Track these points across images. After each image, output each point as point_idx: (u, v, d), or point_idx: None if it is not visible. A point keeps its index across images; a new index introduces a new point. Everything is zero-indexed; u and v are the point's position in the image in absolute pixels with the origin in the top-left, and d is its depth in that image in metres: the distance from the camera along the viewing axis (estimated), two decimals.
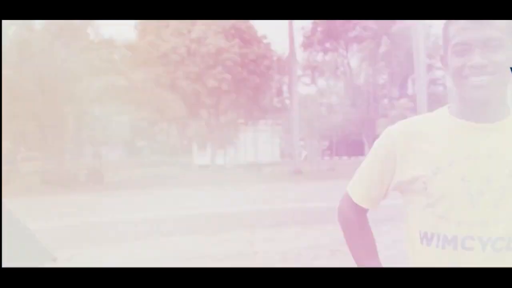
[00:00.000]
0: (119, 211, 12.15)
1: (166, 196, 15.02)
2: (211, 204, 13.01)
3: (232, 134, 26.73)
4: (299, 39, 53.38)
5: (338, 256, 6.15)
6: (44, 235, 4.51)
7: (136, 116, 26.22)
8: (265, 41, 26.97)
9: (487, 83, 1.18)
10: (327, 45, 49.09)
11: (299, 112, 31.57)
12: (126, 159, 29.89)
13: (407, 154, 1.28)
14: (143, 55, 19.94)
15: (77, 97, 15.82)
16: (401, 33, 38.77)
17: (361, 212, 1.40)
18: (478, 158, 1.21)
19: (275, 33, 51.19)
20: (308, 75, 52.98)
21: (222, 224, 9.57)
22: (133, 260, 6.57)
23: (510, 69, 1.21)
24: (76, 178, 15.58)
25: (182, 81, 21.32)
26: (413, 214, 1.28)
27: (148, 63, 20.08)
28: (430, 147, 1.25)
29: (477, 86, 1.19)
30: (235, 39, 23.66)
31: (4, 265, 1.37)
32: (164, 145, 31.79)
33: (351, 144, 60.04)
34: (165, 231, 8.95)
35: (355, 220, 1.41)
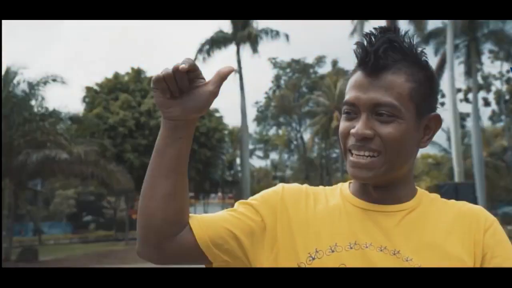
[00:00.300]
0: None
1: None
2: None
3: None
4: (252, 113, 54.72)
5: None
6: None
7: (82, 190, 25.50)
8: (217, 114, 27.35)
9: (371, 164, 0.97)
10: (281, 119, 50.41)
11: (252, 185, 31.59)
12: (70, 235, 28.59)
13: (287, 222, 1.04)
14: (89, 127, 19.73)
15: (15, 171, 15.26)
16: None
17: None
18: (367, 249, 0.98)
19: (228, 107, 52.43)
20: (261, 149, 53.84)
21: None
22: None
23: (406, 150, 0.99)
24: (7, 258, 14.64)
25: (130, 154, 21.08)
26: None
27: (94, 135, 19.84)
28: (314, 224, 1.03)
29: (355, 164, 0.98)
30: None
31: None
32: (112, 220, 30.75)
33: None
34: None
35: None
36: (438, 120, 1.03)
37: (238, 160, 34.69)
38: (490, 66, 38.81)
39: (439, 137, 37.66)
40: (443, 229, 1.01)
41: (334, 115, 38.26)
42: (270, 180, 40.90)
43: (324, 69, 47.06)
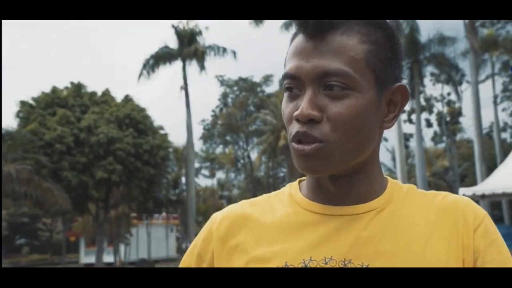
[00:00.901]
0: None
1: None
2: None
3: (123, 229, 25.30)
4: (199, 131, 54.32)
5: None
6: None
7: (14, 211, 24.09)
8: (162, 131, 26.80)
9: (316, 153, 0.75)
10: (227, 137, 50.27)
11: (197, 205, 31.08)
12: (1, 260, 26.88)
13: (227, 246, 0.87)
14: (23, 144, 18.71)
15: None
16: None
17: None
18: (327, 265, 0.78)
19: (174, 125, 51.78)
20: (207, 167, 53.36)
21: None
22: None
23: (366, 133, 0.78)
24: None
25: (67, 172, 20.11)
26: None
27: (28, 152, 18.81)
28: (260, 246, 0.83)
29: (300, 152, 0.77)
30: (129, 129, 23.21)
31: None
32: (47, 242, 29.20)
33: None
34: None
35: None
36: (404, 92, 0.81)
37: (183, 179, 34.10)
38: (432, 88, 40.49)
39: (384, 157, 38.64)
40: (422, 232, 0.80)
41: (282, 134, 38.61)
42: (216, 199, 40.46)
43: (272, 88, 47.59)
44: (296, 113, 0.75)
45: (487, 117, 67.34)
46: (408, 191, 0.86)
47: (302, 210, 0.84)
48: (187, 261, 0.93)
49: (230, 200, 52.70)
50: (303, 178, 0.91)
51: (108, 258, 27.06)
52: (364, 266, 0.77)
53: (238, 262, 0.84)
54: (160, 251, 35.03)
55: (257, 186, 47.92)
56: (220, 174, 54.21)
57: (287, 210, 0.85)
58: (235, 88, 50.04)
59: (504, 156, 23.70)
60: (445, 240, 0.80)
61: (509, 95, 28.22)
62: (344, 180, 0.81)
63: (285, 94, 0.80)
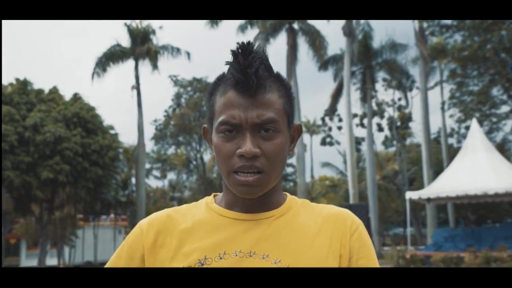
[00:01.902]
0: None
1: None
2: None
3: (69, 231, 24.66)
4: (150, 132, 53.60)
5: None
6: None
7: None
8: (112, 131, 26.31)
9: (258, 182, 1.02)
10: (180, 138, 49.85)
11: (147, 206, 30.68)
12: None
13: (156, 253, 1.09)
14: None
15: None
16: None
17: None
18: (237, 256, 1.04)
19: (124, 125, 50.87)
20: (158, 168, 52.72)
21: None
22: None
23: (283, 162, 1.06)
24: None
25: (10, 171, 19.44)
26: None
27: None
28: (183, 245, 1.07)
29: (244, 184, 1.02)
30: (78, 128, 22.68)
31: None
32: None
33: None
34: None
35: None
36: (300, 129, 1.13)
37: (133, 180, 33.60)
38: (384, 93, 41.64)
39: (336, 160, 39.36)
40: (311, 231, 1.08)
41: None
42: (167, 201, 40.05)
43: None
44: (241, 151, 1.00)
45: (435, 123, 70.07)
46: (302, 203, 1.15)
47: (217, 215, 1.09)
48: (115, 261, 1.12)
49: (181, 202, 52.25)
50: (217, 193, 1.19)
51: (51, 261, 26.28)
52: (265, 257, 1.03)
53: (165, 257, 1.07)
54: (107, 253, 34.29)
55: (209, 188, 47.72)
56: (172, 176, 53.73)
57: (205, 216, 1.10)
58: (189, 89, 49.66)
59: (450, 160, 24.72)
60: (328, 238, 1.08)
61: (456, 102, 29.43)
62: (259, 197, 1.07)
63: (220, 135, 1.03)
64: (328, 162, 47.12)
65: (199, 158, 48.82)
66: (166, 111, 50.93)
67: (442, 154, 30.27)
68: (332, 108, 38.30)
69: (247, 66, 1.00)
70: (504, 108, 29.11)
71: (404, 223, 32.93)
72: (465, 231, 20.28)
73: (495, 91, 27.46)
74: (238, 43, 1.03)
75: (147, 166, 45.97)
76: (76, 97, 24.84)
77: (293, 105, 1.10)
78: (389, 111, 37.68)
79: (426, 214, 26.33)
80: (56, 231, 23.97)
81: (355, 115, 34.93)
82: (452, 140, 36.28)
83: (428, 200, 20.54)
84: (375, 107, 35.72)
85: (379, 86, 34.33)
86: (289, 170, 53.19)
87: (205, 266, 1.03)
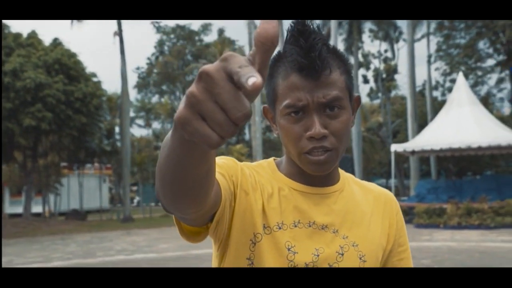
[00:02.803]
0: None
1: None
2: (21, 262, 11.42)
3: (53, 178, 24.55)
4: (133, 80, 52.73)
5: None
6: None
7: None
8: (95, 79, 25.76)
9: (328, 159, 1.05)
10: (164, 87, 49.22)
11: (131, 155, 30.57)
12: None
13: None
14: None
15: None
16: None
17: None
18: (310, 227, 1.08)
19: (107, 72, 49.87)
20: (142, 117, 52.31)
21: None
22: None
23: (349, 137, 1.11)
24: None
25: None
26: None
27: None
28: (261, 201, 1.08)
29: (317, 163, 1.05)
30: (59, 75, 22.12)
31: None
32: None
33: None
34: None
35: None
36: (359, 100, 1.15)
37: (117, 129, 33.29)
38: (370, 45, 41.38)
39: None
40: (368, 209, 1.16)
41: None
42: (152, 150, 39.92)
43: (210, 37, 46.75)
44: (311, 133, 1.02)
45: (421, 75, 70.27)
46: (350, 178, 1.21)
47: (287, 187, 1.11)
48: (231, 164, 1.08)
49: None
50: (275, 158, 1.19)
51: (36, 208, 26.30)
52: (335, 231, 1.09)
53: (257, 198, 1.07)
54: (93, 202, 34.49)
55: None
56: (156, 125, 53.42)
57: (277, 183, 1.11)
58: (172, 36, 48.62)
59: (435, 113, 24.90)
60: (380, 217, 1.16)
61: (442, 55, 29.39)
62: (327, 174, 1.10)
63: (287, 117, 1.04)
64: None
65: None
66: (148, 58, 50.01)
67: (426, 107, 30.46)
68: None
69: (310, 50, 1.00)
70: (490, 62, 29.25)
71: (387, 174, 33.52)
72: (447, 183, 20.70)
73: (482, 45, 27.43)
74: (293, 22, 1.02)
75: (132, 114, 45.57)
76: (56, 43, 24.11)
77: (352, 77, 1.11)
78: (375, 63, 37.54)
79: (409, 166, 26.75)
80: (41, 179, 23.86)
81: None
82: (436, 93, 36.51)
83: (413, 152, 20.79)
84: (361, 59, 35.50)
85: (365, 37, 34.07)
86: None
87: (281, 230, 1.05)
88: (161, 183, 0.78)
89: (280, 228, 1.05)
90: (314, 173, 1.07)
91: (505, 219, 15.11)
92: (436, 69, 32.99)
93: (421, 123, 27.23)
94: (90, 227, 22.10)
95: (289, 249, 1.04)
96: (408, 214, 16.67)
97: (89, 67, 26.36)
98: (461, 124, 18.49)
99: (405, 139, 26.40)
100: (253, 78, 0.53)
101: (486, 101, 30.64)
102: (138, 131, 54.90)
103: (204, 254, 11.40)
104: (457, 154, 21.71)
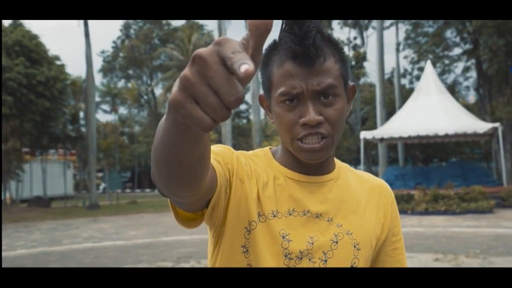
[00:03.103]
0: None
1: None
2: None
3: (14, 164, 23.87)
4: (98, 63, 51.57)
5: None
6: None
7: None
8: (58, 62, 25.07)
9: (324, 146, 1.05)
10: (130, 71, 48.38)
11: (97, 141, 30.00)
12: None
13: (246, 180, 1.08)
14: None
15: None
16: None
17: None
18: (305, 216, 1.09)
19: (71, 55, 48.69)
20: (107, 102, 51.36)
21: None
22: None
23: (343, 125, 1.10)
24: None
25: None
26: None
27: None
28: (256, 190, 1.08)
29: (311, 150, 1.05)
30: (20, 58, 21.41)
31: None
32: None
33: None
34: None
35: None
36: (354, 89, 1.14)
37: (82, 114, 32.58)
38: (339, 32, 41.63)
39: None
40: (363, 198, 1.17)
41: None
42: (117, 135, 39.30)
43: (178, 22, 45.99)
44: (305, 119, 1.02)
45: (390, 63, 71.18)
46: (345, 167, 1.22)
47: (282, 175, 1.11)
48: (228, 152, 1.09)
49: (132, 137, 51.56)
50: (271, 147, 1.20)
51: None
52: (329, 219, 1.10)
53: (252, 186, 1.07)
54: (57, 188, 33.76)
55: None
56: (122, 110, 52.58)
57: (272, 172, 1.12)
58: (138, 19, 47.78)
59: (403, 101, 25.30)
60: (374, 207, 1.17)
61: (410, 43, 29.80)
62: (321, 162, 1.11)
63: (281, 105, 1.04)
64: None
65: (150, 93, 47.80)
66: (114, 42, 49.04)
67: (395, 94, 30.91)
68: None
69: (304, 37, 1.00)
70: (457, 51, 29.83)
71: (355, 161, 33.96)
72: (414, 170, 21.14)
73: (449, 33, 27.91)
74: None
75: (97, 99, 44.64)
76: (16, 24, 23.31)
77: (347, 66, 1.12)
78: (345, 50, 37.77)
79: (378, 153, 27.15)
80: (1, 165, 23.17)
81: None
82: (405, 81, 37.08)
83: (381, 139, 21.11)
84: None
85: (335, 24, 34.16)
86: (243, 107, 53.14)
87: (276, 218, 1.06)
88: (156, 165, 0.79)
89: (274, 216, 1.06)
90: (307, 161, 1.08)
91: (470, 205, 15.54)
92: (405, 57, 33.53)
93: (390, 110, 27.63)
94: (54, 214, 21.66)
95: (283, 237, 1.05)
96: None
97: (52, 50, 25.66)
98: (429, 112, 18.85)
99: (373, 126, 26.77)
100: (245, 65, 0.54)
101: (453, 90, 31.32)
102: (103, 116, 53.99)
103: (173, 241, 11.33)
104: (424, 142, 22.17)
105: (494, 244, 9.35)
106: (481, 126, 18.20)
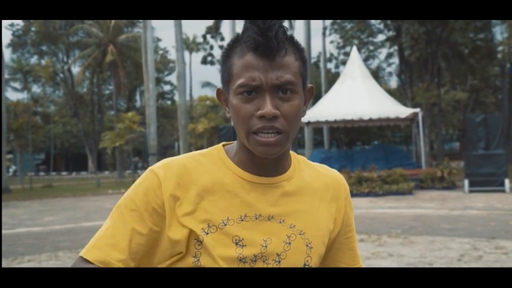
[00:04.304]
0: None
1: None
2: None
3: None
4: (7, 38, 48.49)
5: None
6: None
7: None
8: None
9: (279, 141, 1.06)
10: (44, 48, 45.95)
11: (8, 121, 28.34)
12: None
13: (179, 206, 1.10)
14: None
15: None
16: (128, 44, 39.11)
17: None
18: (257, 219, 1.11)
19: None
20: (19, 80, 48.55)
21: None
22: None
23: (299, 123, 1.12)
24: None
25: None
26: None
27: None
28: (203, 200, 1.10)
29: (266, 144, 1.05)
30: None
31: None
32: None
33: (72, 158, 57.51)
34: None
35: None
36: (312, 91, 1.18)
37: None
38: None
39: (217, 80, 39.57)
40: (317, 195, 1.19)
41: (109, 49, 36.57)
42: (30, 115, 37.32)
43: None
44: (262, 112, 1.03)
45: (316, 47, 72.66)
46: (303, 161, 1.24)
47: (235, 176, 1.13)
48: (131, 206, 1.11)
49: (47, 117, 49.18)
50: (227, 143, 1.21)
51: None
52: (281, 221, 1.12)
53: (185, 210, 1.08)
54: None
55: (79, 104, 45.38)
56: (35, 88, 49.91)
57: (223, 175, 1.13)
58: None
59: (329, 85, 26.02)
60: (327, 203, 1.21)
61: (337, 28, 30.60)
62: (274, 159, 1.12)
63: (239, 97, 1.06)
64: (209, 82, 47.08)
65: (66, 71, 45.72)
66: None
67: (320, 78, 31.68)
68: (216, 26, 37.74)
69: (267, 29, 1.03)
70: (381, 37, 31.04)
71: None
72: (339, 153, 21.90)
73: (373, 20, 28.94)
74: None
75: (6, 76, 41.99)
76: None
77: (307, 67, 1.14)
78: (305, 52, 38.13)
79: (304, 136, 27.81)
80: (1, 165, 21.38)
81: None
82: (330, 65, 38.08)
83: (308, 123, 21.64)
84: None
85: None
86: (167, 88, 52.28)
87: (227, 226, 1.08)
88: None
89: (226, 225, 1.08)
90: (262, 155, 1.08)
91: (392, 187, 16.40)
92: (331, 41, 34.33)
93: (316, 94, 28.30)
94: None
95: (237, 243, 1.07)
96: None
97: None
98: (354, 96, 19.54)
99: None
100: None
101: (376, 75, 32.60)
102: (14, 95, 51.02)
103: (95, 226, 10.97)
104: (349, 125, 22.99)
105: (414, 224, 9.95)
106: (403, 111, 19.15)
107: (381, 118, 19.46)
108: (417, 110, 18.90)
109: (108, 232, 1.09)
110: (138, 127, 29.83)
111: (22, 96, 49.15)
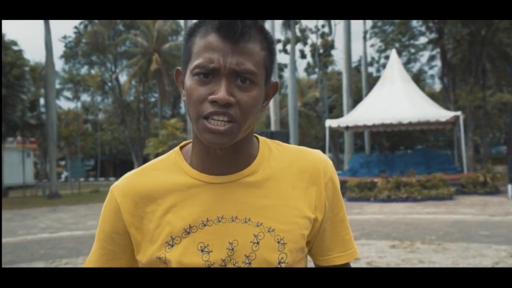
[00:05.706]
0: None
1: None
2: None
3: None
4: (59, 49, 50.32)
5: None
6: None
7: None
8: (15, 47, 24.41)
9: (229, 130, 0.99)
10: (93, 58, 47.43)
11: (58, 129, 29.40)
12: None
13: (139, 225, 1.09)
14: None
15: None
16: (172, 52, 39.87)
17: None
18: (220, 222, 1.05)
19: (29, 40, 47.33)
20: (70, 89, 50.28)
21: None
22: None
23: (256, 115, 1.04)
24: None
25: None
26: None
27: None
28: (164, 213, 1.07)
29: (215, 132, 0.99)
30: None
31: None
32: None
33: (120, 164, 59.00)
34: None
35: None
36: (276, 87, 1.11)
37: (42, 101, 31.82)
38: (308, 20, 41.68)
39: None
40: (288, 184, 1.09)
41: (154, 58, 37.33)
42: (80, 123, 38.61)
43: None
44: (215, 96, 0.96)
45: (357, 51, 71.83)
46: (276, 147, 1.15)
47: (192, 179, 1.07)
48: (103, 244, 1.14)
49: (96, 125, 50.70)
50: (184, 143, 1.15)
51: None
52: (247, 220, 1.05)
53: (148, 227, 1.07)
54: (16, 177, 32.98)
55: (126, 111, 46.50)
56: (85, 97, 51.56)
57: (180, 181, 1.08)
58: None
59: (369, 89, 25.63)
60: (302, 190, 1.10)
61: (377, 31, 30.14)
62: (231, 148, 1.05)
63: (195, 78, 0.99)
64: None
65: (114, 80, 46.99)
66: (76, 27, 47.85)
67: (361, 82, 31.25)
68: None
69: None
70: (422, 40, 30.35)
71: (322, 149, 34.29)
72: (379, 158, 21.50)
73: (415, 22, 28.33)
74: None
75: (58, 86, 43.59)
76: None
77: (274, 60, 1.07)
78: (312, 38, 37.97)
79: (344, 140, 27.47)
80: (1, 164, 22.54)
81: (278, 41, 34.86)
82: (371, 69, 37.51)
83: (347, 128, 21.38)
84: (298, 33, 35.73)
85: None
86: None
87: (191, 234, 1.04)
88: None
89: (188, 234, 1.04)
90: (209, 144, 1.01)
91: (431, 192, 15.95)
92: (372, 45, 33.85)
93: (356, 99, 27.95)
94: (11, 204, 21.21)
95: (202, 250, 1.03)
96: (341, 188, 17.20)
97: (10, 35, 24.96)
98: (393, 100, 19.18)
99: (340, 114, 27.06)
100: None
101: (418, 78, 31.86)
102: (66, 103, 52.88)
103: None
104: (389, 129, 22.55)
105: (450, 230, 9.64)
106: (443, 114, 18.63)
107: (420, 122, 18.99)
108: (458, 113, 18.33)
109: (92, 258, 1.16)
110: (181, 133, 30.28)
111: (73, 105, 50.74)
